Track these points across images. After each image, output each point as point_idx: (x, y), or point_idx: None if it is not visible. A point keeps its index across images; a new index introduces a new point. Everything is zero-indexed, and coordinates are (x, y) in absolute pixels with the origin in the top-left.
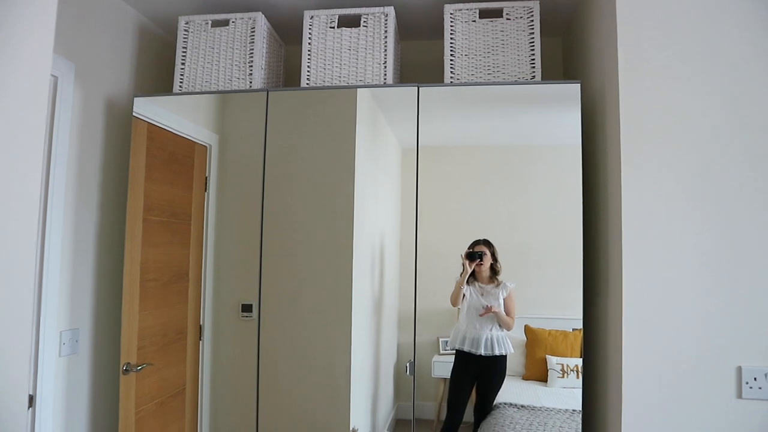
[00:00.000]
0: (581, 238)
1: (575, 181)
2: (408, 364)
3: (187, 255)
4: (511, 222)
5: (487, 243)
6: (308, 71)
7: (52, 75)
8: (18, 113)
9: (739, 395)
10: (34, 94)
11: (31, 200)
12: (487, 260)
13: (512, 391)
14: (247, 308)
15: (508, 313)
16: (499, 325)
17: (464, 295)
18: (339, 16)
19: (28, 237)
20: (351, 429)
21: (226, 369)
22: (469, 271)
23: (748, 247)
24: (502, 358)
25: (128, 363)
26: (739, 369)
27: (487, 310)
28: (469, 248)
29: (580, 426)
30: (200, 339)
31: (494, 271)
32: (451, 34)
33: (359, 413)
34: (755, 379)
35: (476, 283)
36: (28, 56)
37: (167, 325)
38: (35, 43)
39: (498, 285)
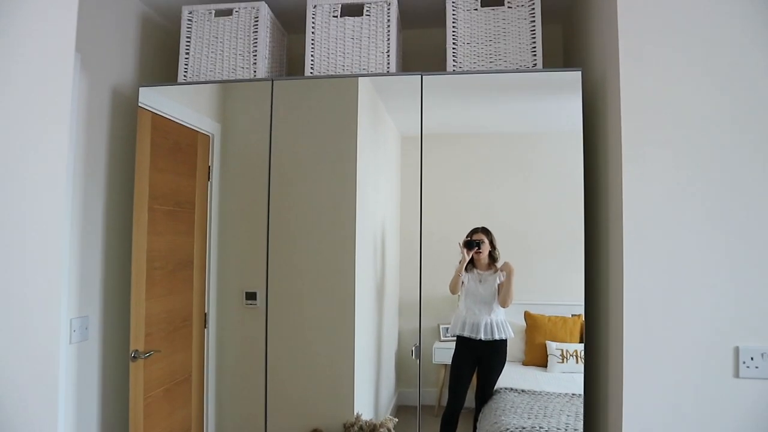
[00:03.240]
0: (582, 225)
1: (576, 169)
2: (413, 348)
3: (191, 243)
4: (513, 209)
5: (485, 231)
6: (312, 60)
7: None
8: (43, 97)
9: (737, 374)
10: (59, 81)
11: (58, 178)
12: (486, 248)
13: (512, 376)
14: (251, 296)
15: (504, 292)
16: (498, 293)
17: (463, 282)
18: (342, 5)
19: (57, 219)
20: (355, 414)
21: (231, 356)
22: (467, 259)
23: (747, 231)
24: (503, 343)
25: (136, 350)
26: (737, 349)
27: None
28: (467, 236)
29: (581, 409)
30: (205, 326)
31: (492, 258)
32: (453, 22)
33: (363, 399)
34: (752, 358)
35: (475, 270)
36: (51, 44)
37: (173, 312)
38: (57, 29)
39: (496, 271)
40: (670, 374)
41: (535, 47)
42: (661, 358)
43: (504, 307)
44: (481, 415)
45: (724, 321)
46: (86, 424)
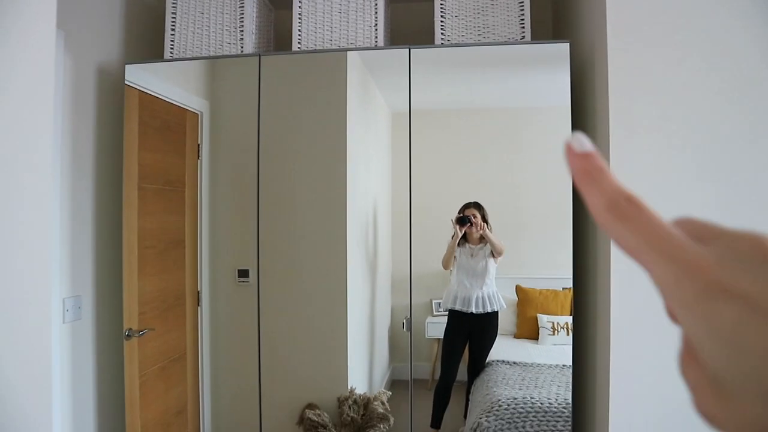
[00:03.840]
0: (571, 199)
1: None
2: (405, 321)
3: (182, 222)
4: (503, 184)
5: (477, 205)
6: (299, 35)
7: None
8: (27, 83)
9: None
10: (41, 62)
11: (44, 162)
12: (478, 222)
13: (504, 349)
14: (243, 274)
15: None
16: (492, 255)
17: (455, 256)
18: None
19: (46, 200)
20: (349, 389)
21: (224, 333)
22: (460, 235)
23: (735, 204)
24: (494, 315)
25: (130, 328)
26: None
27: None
28: (459, 212)
29: (570, 379)
30: (198, 304)
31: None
32: None
33: (357, 374)
34: None
35: (467, 245)
36: (33, 24)
37: (166, 291)
38: (37, 5)
39: (486, 245)
40: (656, 343)
41: (523, 20)
42: (646, 327)
43: (500, 255)
44: (473, 387)
45: None
46: (82, 402)
